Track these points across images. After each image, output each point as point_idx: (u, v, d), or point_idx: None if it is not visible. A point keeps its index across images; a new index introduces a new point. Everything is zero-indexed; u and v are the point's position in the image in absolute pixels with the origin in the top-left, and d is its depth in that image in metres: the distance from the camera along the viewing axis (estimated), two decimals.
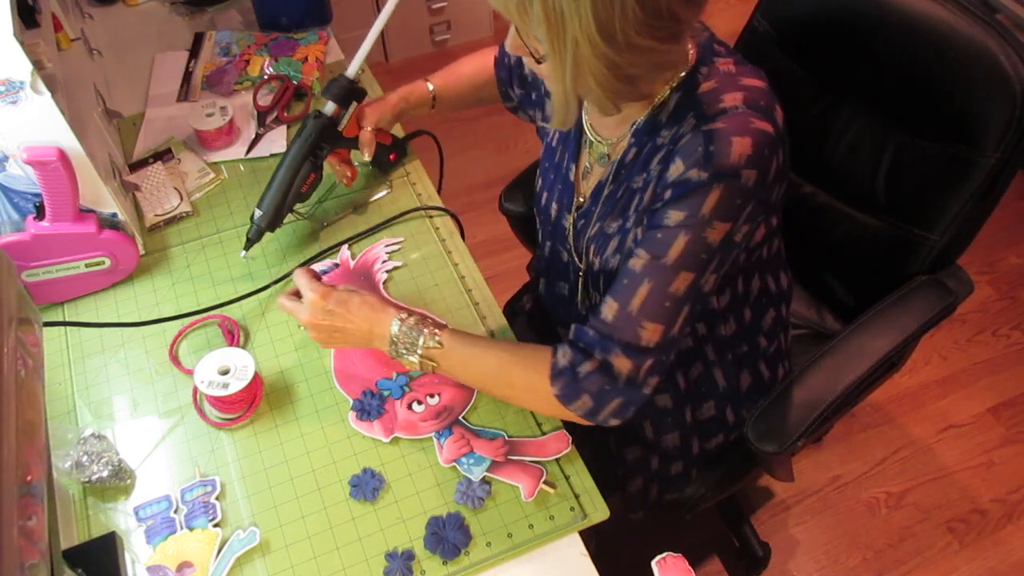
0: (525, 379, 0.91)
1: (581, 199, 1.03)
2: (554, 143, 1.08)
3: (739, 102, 0.83)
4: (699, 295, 0.86)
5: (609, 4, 0.73)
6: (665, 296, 0.84)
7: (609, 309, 0.86)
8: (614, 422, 0.89)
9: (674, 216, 0.83)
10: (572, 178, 1.04)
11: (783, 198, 0.95)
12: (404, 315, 0.95)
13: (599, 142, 0.98)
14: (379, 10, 1.07)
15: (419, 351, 0.94)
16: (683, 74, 0.87)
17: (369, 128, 1.16)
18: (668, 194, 0.84)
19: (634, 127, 0.92)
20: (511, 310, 1.44)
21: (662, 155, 0.87)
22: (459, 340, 0.94)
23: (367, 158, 1.18)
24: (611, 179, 0.96)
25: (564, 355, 0.88)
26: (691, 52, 0.88)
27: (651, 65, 0.81)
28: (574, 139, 1.02)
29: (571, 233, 1.06)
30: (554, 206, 1.08)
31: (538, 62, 0.83)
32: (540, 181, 1.12)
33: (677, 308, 0.84)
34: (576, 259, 1.07)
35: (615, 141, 0.96)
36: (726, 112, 0.83)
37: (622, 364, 0.85)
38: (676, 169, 0.83)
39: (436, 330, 0.94)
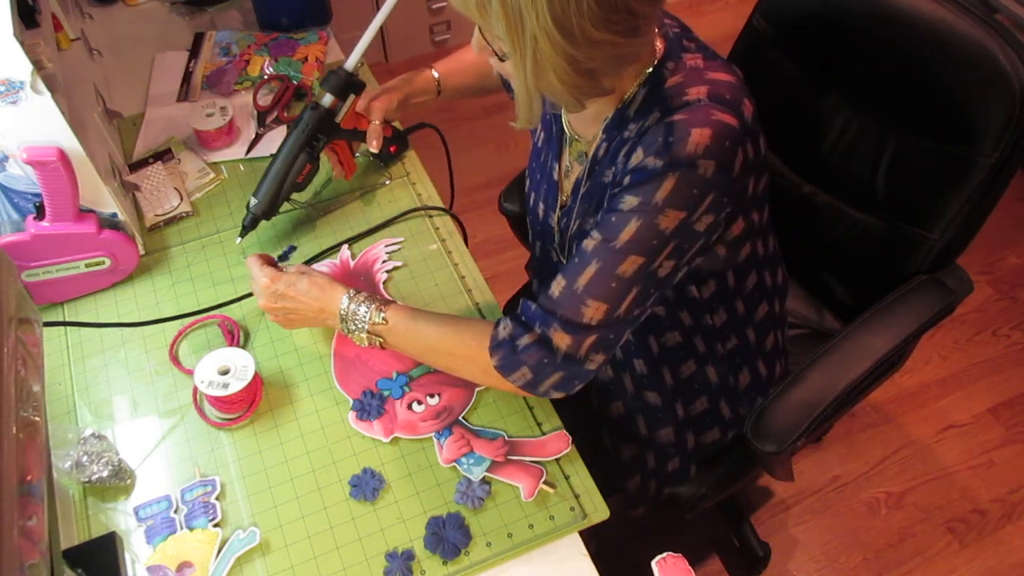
0: (466, 350, 0.93)
1: (564, 198, 1.04)
2: (539, 143, 1.09)
3: (703, 95, 0.84)
4: (652, 279, 0.87)
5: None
6: (612, 277, 0.85)
7: (557, 285, 0.88)
8: (556, 394, 0.92)
9: (628, 201, 0.84)
10: (556, 177, 1.05)
11: (764, 194, 0.95)
12: (352, 293, 0.99)
13: (578, 140, 1.00)
14: (379, 10, 1.07)
15: (366, 327, 0.97)
16: (650, 70, 0.88)
17: (377, 121, 1.17)
18: (627, 180, 0.86)
19: (605, 123, 0.93)
20: (511, 310, 1.44)
21: (627, 148, 0.89)
22: (403, 315, 0.97)
23: (374, 150, 1.19)
24: (586, 176, 0.97)
25: (505, 328, 0.90)
26: (659, 47, 0.89)
27: (611, 59, 0.82)
28: (556, 139, 1.04)
29: (556, 232, 1.07)
30: (541, 206, 1.10)
31: (501, 60, 0.84)
32: (528, 182, 1.14)
33: (624, 289, 0.86)
34: (563, 258, 1.08)
35: (591, 139, 0.97)
36: (689, 104, 0.84)
37: (561, 339, 0.87)
38: (636, 157, 0.85)
39: (382, 306, 0.97)
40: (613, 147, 0.91)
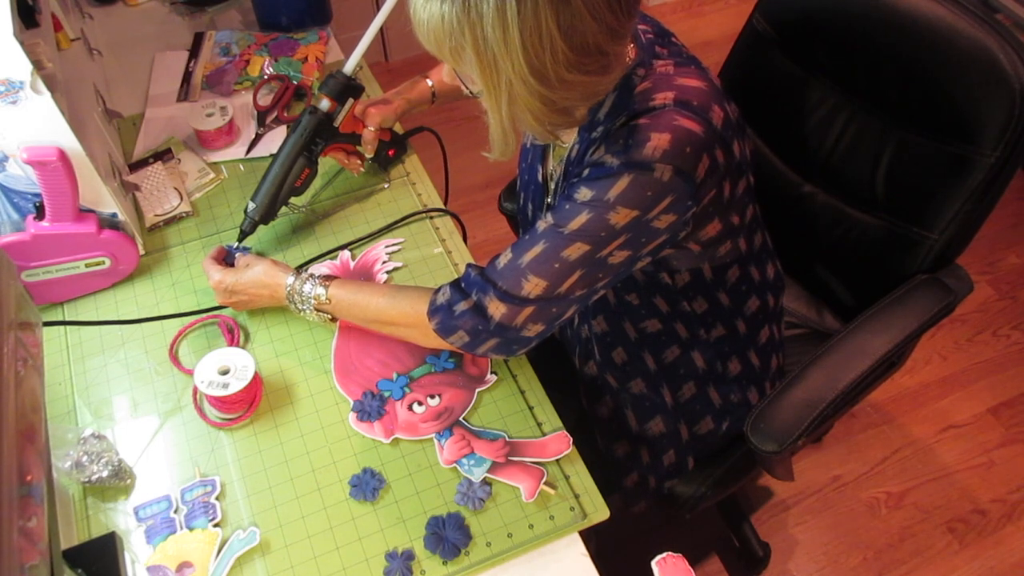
0: (406, 317, 0.98)
1: (549, 199, 1.07)
2: (528, 144, 1.12)
3: (669, 100, 0.85)
4: (600, 264, 0.88)
5: (539, 47, 0.76)
6: (556, 258, 0.88)
7: (504, 257, 0.91)
8: (496, 356, 0.97)
9: (583, 193, 0.86)
10: (541, 179, 1.08)
11: (746, 195, 0.96)
12: (291, 277, 1.04)
13: (561, 145, 1.01)
14: (379, 10, 1.07)
15: (312, 304, 1.03)
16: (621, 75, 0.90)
17: (372, 128, 1.19)
18: (585, 172, 0.88)
19: (579, 128, 0.95)
20: None
21: (595, 148, 0.90)
22: (344, 289, 1.02)
23: (368, 156, 1.22)
24: (563, 178, 0.99)
25: (443, 294, 0.94)
26: (630, 53, 0.90)
27: (584, 96, 0.86)
28: (541, 143, 1.06)
29: None
30: (530, 206, 1.12)
31: (475, 96, 0.87)
32: (519, 181, 1.16)
33: (566, 271, 0.88)
34: None
35: (569, 144, 0.99)
36: (654, 109, 0.85)
37: (496, 308, 0.90)
38: (598, 153, 0.87)
39: (325, 282, 1.02)
40: (582, 148, 0.93)
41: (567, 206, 0.87)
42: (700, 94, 0.86)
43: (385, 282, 1.15)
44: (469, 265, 0.95)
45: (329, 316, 1.05)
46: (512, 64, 0.77)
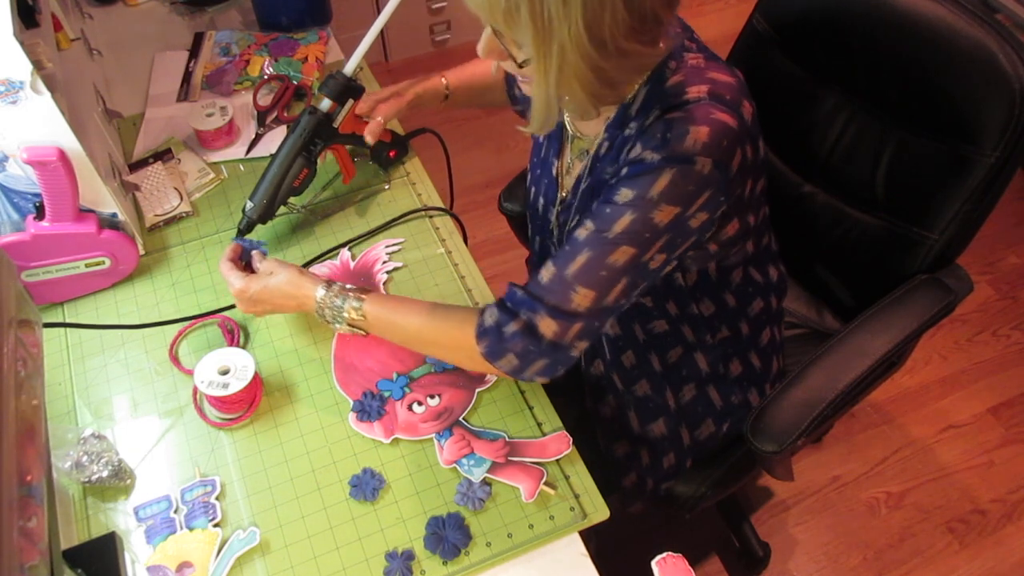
0: (451, 338, 0.94)
1: (564, 194, 1.05)
2: (541, 139, 1.10)
3: (703, 93, 0.84)
4: (642, 270, 0.87)
5: (599, 9, 0.74)
6: (602, 266, 0.85)
7: (547, 272, 0.88)
8: (540, 380, 0.92)
9: (624, 194, 0.85)
10: (555, 173, 1.06)
11: (761, 196, 0.95)
12: (323, 289, 0.98)
13: (580, 138, 1.00)
14: (379, 10, 1.07)
15: (345, 319, 0.98)
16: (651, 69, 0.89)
17: (380, 119, 1.17)
18: (624, 172, 0.86)
19: (607, 122, 0.93)
20: None
21: (630, 145, 0.89)
22: (381, 307, 0.97)
23: (369, 142, 1.18)
24: (587, 173, 0.98)
25: (491, 315, 0.90)
26: (661, 46, 0.89)
27: (634, 68, 0.84)
28: (557, 135, 1.05)
29: (555, 227, 1.08)
30: (541, 201, 1.10)
31: (520, 66, 0.83)
32: (529, 176, 1.14)
33: (613, 278, 0.86)
34: None
35: (593, 137, 0.97)
36: (689, 103, 0.84)
37: (547, 326, 0.87)
38: (635, 151, 0.85)
39: (360, 296, 0.97)
40: (616, 145, 0.92)
41: (608, 210, 0.85)
42: (731, 89, 0.86)
43: (385, 283, 1.15)
44: (511, 284, 0.91)
45: (362, 332, 1.00)
46: (569, 28, 0.74)
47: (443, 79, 1.23)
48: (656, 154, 0.82)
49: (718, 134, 0.82)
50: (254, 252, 1.07)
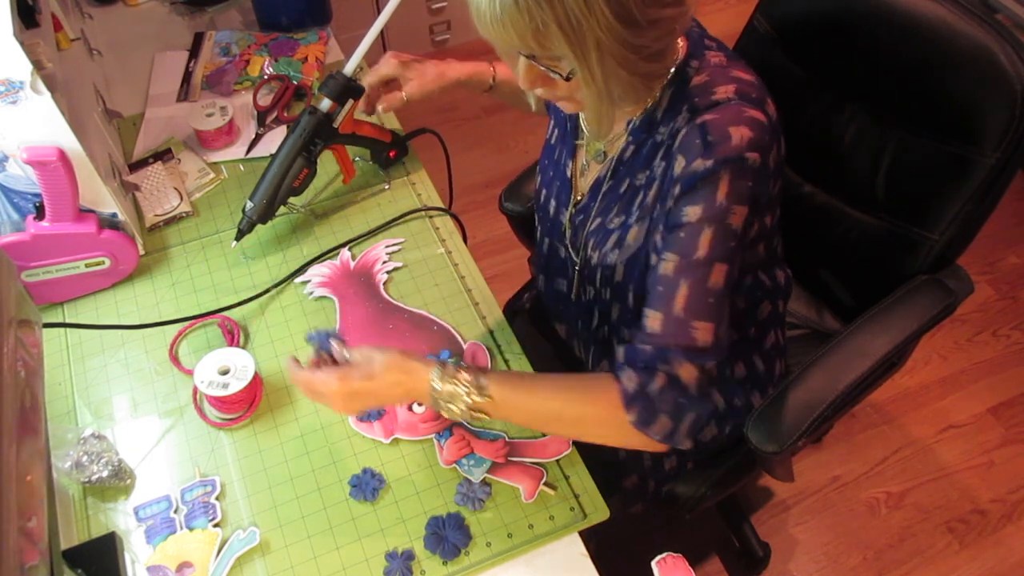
0: (594, 414, 0.86)
1: (579, 196, 1.04)
2: (553, 140, 1.09)
3: (731, 93, 0.84)
4: (733, 282, 0.85)
5: None
6: (706, 292, 0.83)
7: (653, 320, 0.84)
8: (687, 444, 0.85)
9: (691, 212, 0.83)
10: (569, 174, 1.05)
11: (778, 196, 0.95)
12: (438, 370, 0.86)
13: (594, 141, 0.99)
14: (379, 10, 1.07)
15: (467, 405, 0.86)
16: (673, 69, 0.88)
17: (406, 97, 1.13)
18: (677, 190, 0.84)
19: (630, 125, 0.93)
20: (511, 309, 1.44)
21: (663, 152, 0.88)
22: (511, 388, 0.86)
23: (381, 111, 1.15)
24: (610, 175, 0.97)
25: (630, 379, 0.83)
26: (681, 46, 0.89)
27: (670, 32, 0.81)
28: (571, 136, 1.04)
29: (568, 229, 1.07)
30: (552, 202, 1.09)
31: (567, 79, 0.81)
32: (539, 178, 1.13)
33: (721, 302, 0.83)
34: (572, 254, 1.07)
35: (611, 138, 0.96)
36: (719, 104, 0.83)
37: (689, 372, 0.83)
38: (679, 165, 0.84)
39: (481, 380, 0.86)
40: (646, 150, 0.91)
41: (682, 234, 0.83)
42: (756, 87, 0.86)
43: (385, 283, 1.15)
44: (628, 346, 0.85)
45: (486, 416, 0.87)
46: (597, 19, 0.73)
47: (492, 68, 1.19)
48: (706, 161, 0.81)
49: (759, 130, 0.82)
50: (333, 342, 0.89)
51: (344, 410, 0.92)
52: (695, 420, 0.85)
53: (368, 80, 1.14)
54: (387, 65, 1.14)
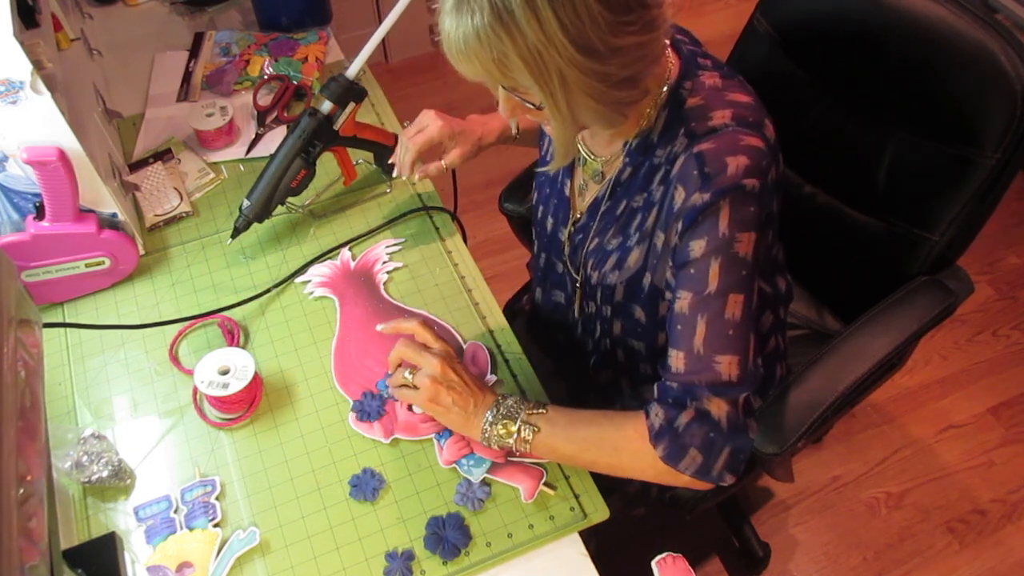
0: (627, 447, 0.87)
1: (578, 215, 1.04)
2: (548, 157, 1.09)
3: (728, 119, 0.84)
4: (752, 309, 0.84)
5: (577, 20, 0.72)
6: (724, 325, 0.82)
7: (676, 360, 0.85)
8: (729, 478, 0.85)
9: (697, 247, 0.83)
10: (567, 193, 1.05)
11: (778, 210, 0.95)
12: (496, 405, 0.92)
13: (593, 159, 0.99)
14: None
15: (514, 435, 0.90)
16: (665, 89, 0.87)
17: (446, 165, 1.11)
18: (680, 225, 0.84)
19: (627, 147, 0.92)
20: (511, 310, 1.44)
21: (661, 175, 0.88)
22: (550, 424, 0.90)
23: (417, 179, 1.13)
24: (607, 196, 0.97)
25: (657, 414, 0.85)
26: (673, 64, 0.88)
27: (640, 59, 0.80)
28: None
29: (567, 247, 1.07)
30: (550, 219, 1.09)
31: (539, 109, 0.82)
32: (536, 194, 1.13)
33: (741, 333, 0.83)
34: (572, 271, 1.08)
35: (608, 159, 0.97)
36: (716, 131, 0.83)
37: (718, 407, 0.83)
38: (679, 197, 0.84)
39: (535, 411, 0.91)
40: (643, 172, 0.91)
41: (692, 271, 0.83)
42: (753, 110, 0.85)
43: (385, 283, 1.15)
44: (657, 384, 0.87)
45: (528, 446, 0.91)
46: (558, 50, 0.73)
47: (512, 121, 1.16)
48: (704, 194, 0.81)
49: (755, 157, 0.82)
50: None
51: (425, 400, 0.93)
52: (731, 454, 0.84)
53: (416, 140, 1.10)
54: (436, 130, 1.10)
